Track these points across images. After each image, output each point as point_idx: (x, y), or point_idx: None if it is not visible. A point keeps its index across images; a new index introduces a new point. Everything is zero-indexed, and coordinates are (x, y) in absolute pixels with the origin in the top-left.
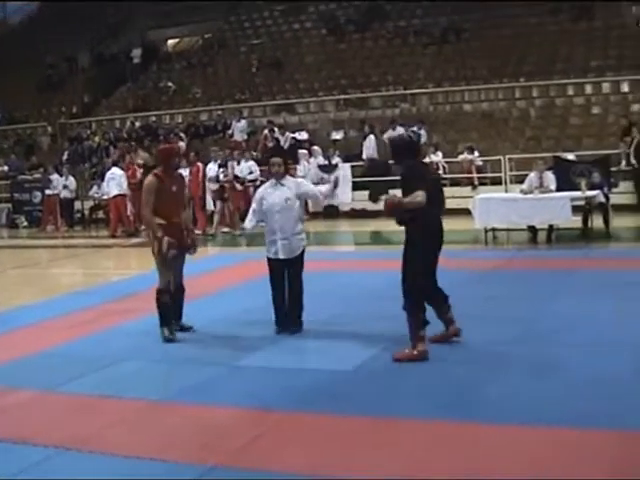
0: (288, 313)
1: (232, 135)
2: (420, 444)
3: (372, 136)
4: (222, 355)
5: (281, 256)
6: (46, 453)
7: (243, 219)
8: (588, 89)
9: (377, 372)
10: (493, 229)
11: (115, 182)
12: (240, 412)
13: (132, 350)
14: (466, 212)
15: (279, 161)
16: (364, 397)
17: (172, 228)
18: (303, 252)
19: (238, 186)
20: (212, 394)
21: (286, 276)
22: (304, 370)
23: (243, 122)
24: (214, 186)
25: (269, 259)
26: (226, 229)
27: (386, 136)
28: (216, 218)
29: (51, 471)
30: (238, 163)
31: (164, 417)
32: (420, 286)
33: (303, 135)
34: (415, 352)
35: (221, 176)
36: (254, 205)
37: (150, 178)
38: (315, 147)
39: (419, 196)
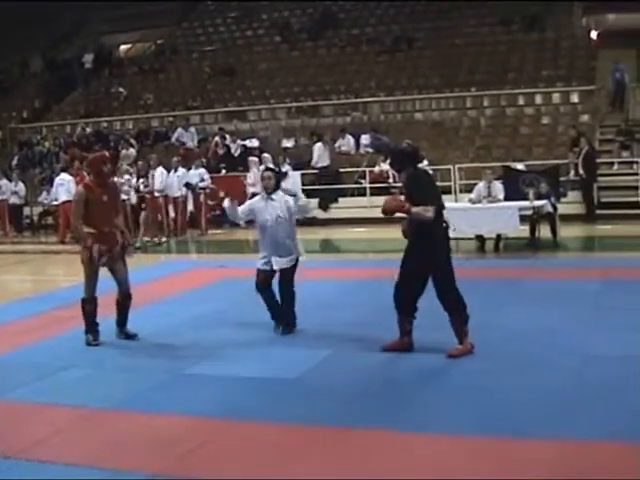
0: (283, 315)
1: (183, 143)
2: (355, 452)
3: (320, 144)
4: (167, 363)
5: (275, 267)
6: None
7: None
8: (538, 99)
9: (320, 380)
10: None
11: (64, 188)
12: (183, 420)
13: (79, 357)
14: None
15: (270, 174)
16: (304, 405)
17: (103, 236)
18: (297, 262)
19: (186, 192)
20: (156, 402)
21: (279, 283)
22: (248, 378)
23: (192, 129)
24: (133, 197)
25: (259, 270)
26: (147, 238)
27: (337, 144)
28: (141, 229)
29: None
30: (188, 170)
31: (107, 425)
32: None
33: (254, 142)
34: (468, 346)
35: (141, 187)
36: (242, 208)
37: (79, 189)
38: (265, 154)
39: (429, 211)
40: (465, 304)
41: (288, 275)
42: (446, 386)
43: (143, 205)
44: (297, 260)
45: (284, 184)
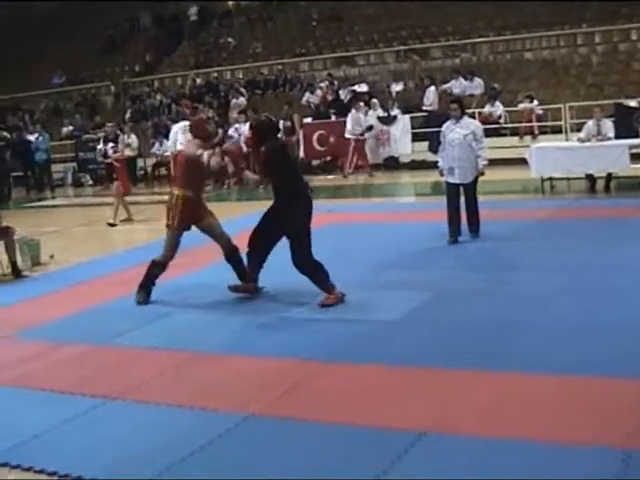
0: (469, 224)
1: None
2: (455, 394)
3: (432, 87)
4: (269, 307)
5: (457, 180)
6: (92, 403)
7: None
8: None
9: (421, 322)
10: (550, 178)
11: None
12: (281, 362)
13: (184, 303)
14: (525, 162)
15: (455, 106)
16: (405, 348)
17: (199, 200)
18: (477, 178)
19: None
20: (257, 345)
21: (462, 196)
22: (348, 320)
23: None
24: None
25: (447, 182)
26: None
27: (446, 86)
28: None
29: (95, 420)
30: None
31: (207, 368)
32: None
33: (363, 87)
34: (339, 295)
35: (110, 152)
36: (441, 138)
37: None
38: (373, 99)
39: (259, 182)
40: (319, 264)
41: (471, 188)
42: (544, 326)
43: (114, 175)
44: (477, 176)
45: (393, 128)
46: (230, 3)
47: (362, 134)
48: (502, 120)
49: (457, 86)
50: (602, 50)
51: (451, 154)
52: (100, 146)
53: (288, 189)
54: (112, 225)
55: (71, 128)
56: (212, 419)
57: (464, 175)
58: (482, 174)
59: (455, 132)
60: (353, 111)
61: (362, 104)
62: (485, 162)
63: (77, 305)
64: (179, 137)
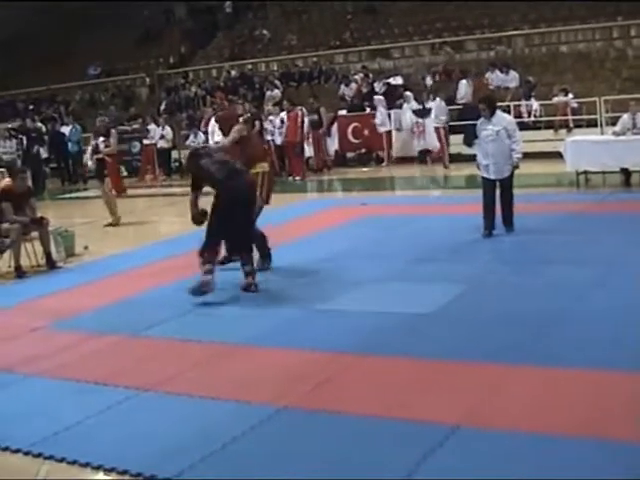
0: (503, 217)
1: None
2: (489, 388)
3: (464, 81)
4: (302, 299)
5: (492, 177)
6: (126, 394)
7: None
8: None
9: (455, 315)
10: (585, 172)
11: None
12: (314, 355)
13: (216, 295)
14: (560, 155)
15: (483, 106)
16: (439, 340)
17: None
18: (512, 173)
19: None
20: (288, 338)
21: (498, 191)
22: (381, 313)
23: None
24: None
25: (483, 177)
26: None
27: (486, 77)
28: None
29: (128, 411)
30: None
31: (240, 360)
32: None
33: (398, 80)
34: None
35: (101, 146)
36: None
37: None
38: (407, 92)
39: None
40: (212, 249)
41: (507, 183)
42: (578, 320)
43: (105, 172)
44: (513, 171)
45: (427, 121)
46: None
47: (447, 122)
48: (537, 113)
49: (493, 79)
50: (637, 43)
51: (485, 150)
52: (92, 141)
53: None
54: (112, 225)
55: (106, 119)
56: (245, 411)
57: (499, 171)
58: (517, 168)
59: (488, 129)
60: (437, 99)
61: (381, 97)
62: (519, 155)
63: (111, 296)
64: (217, 129)
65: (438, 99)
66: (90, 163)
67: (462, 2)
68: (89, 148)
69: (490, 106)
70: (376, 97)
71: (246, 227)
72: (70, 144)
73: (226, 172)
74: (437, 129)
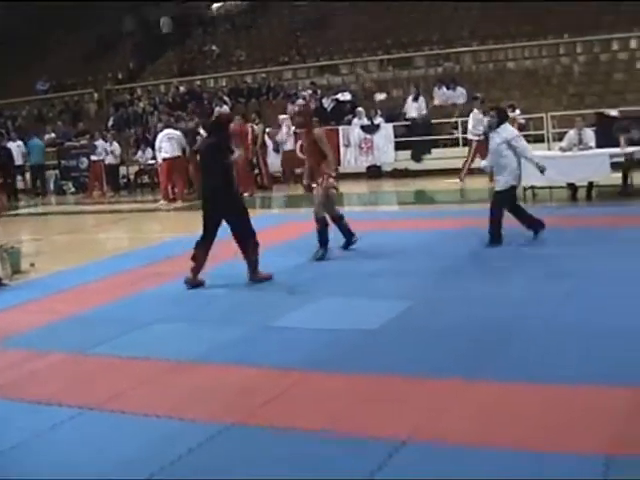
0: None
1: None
2: (436, 402)
3: (420, 97)
4: (253, 315)
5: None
6: (71, 413)
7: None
8: (633, 44)
9: (401, 331)
10: (532, 187)
11: (175, 141)
12: (263, 372)
13: (165, 312)
14: None
15: (493, 113)
16: (383, 356)
17: None
18: (506, 189)
19: None
20: (238, 354)
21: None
22: (329, 330)
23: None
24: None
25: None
26: None
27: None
28: None
29: (73, 429)
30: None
31: (188, 377)
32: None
33: (346, 96)
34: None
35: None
36: None
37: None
38: (359, 108)
39: None
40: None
41: (495, 195)
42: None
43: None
44: (508, 186)
45: (376, 137)
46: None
47: (484, 134)
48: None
49: (439, 95)
50: (584, 60)
51: (490, 161)
52: None
53: None
54: None
55: (53, 135)
56: (192, 428)
57: (497, 182)
58: (542, 171)
59: (492, 140)
60: (475, 110)
61: (285, 116)
62: (536, 161)
63: (58, 313)
64: (163, 145)
65: (475, 110)
66: None
67: (412, 17)
68: None
69: (499, 116)
70: (281, 116)
71: None
72: (33, 156)
73: None
74: (470, 141)
